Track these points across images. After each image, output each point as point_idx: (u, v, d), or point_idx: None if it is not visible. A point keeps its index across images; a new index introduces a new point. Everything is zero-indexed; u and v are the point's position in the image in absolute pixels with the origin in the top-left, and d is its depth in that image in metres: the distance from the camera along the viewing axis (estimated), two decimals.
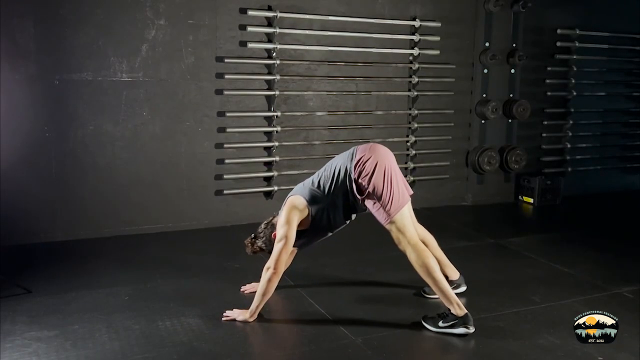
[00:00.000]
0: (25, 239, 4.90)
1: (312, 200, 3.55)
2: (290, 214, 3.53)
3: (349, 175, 3.47)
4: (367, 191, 3.43)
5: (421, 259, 3.41)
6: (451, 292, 3.44)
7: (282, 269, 3.50)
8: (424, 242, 3.64)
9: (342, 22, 5.86)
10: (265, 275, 3.46)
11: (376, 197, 3.43)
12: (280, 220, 3.56)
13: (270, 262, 3.47)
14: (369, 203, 3.49)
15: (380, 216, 3.47)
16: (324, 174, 3.60)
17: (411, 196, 3.59)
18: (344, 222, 3.69)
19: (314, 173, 3.73)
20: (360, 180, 3.44)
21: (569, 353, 3.21)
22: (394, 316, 3.63)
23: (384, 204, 3.42)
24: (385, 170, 3.44)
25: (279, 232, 3.52)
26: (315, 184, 3.59)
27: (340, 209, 3.57)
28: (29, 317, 3.53)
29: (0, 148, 4.74)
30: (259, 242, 3.75)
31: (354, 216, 3.68)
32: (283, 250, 3.46)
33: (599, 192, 7.40)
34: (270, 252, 3.62)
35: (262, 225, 3.78)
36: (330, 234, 3.75)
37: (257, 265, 3.77)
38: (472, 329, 3.36)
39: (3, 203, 4.76)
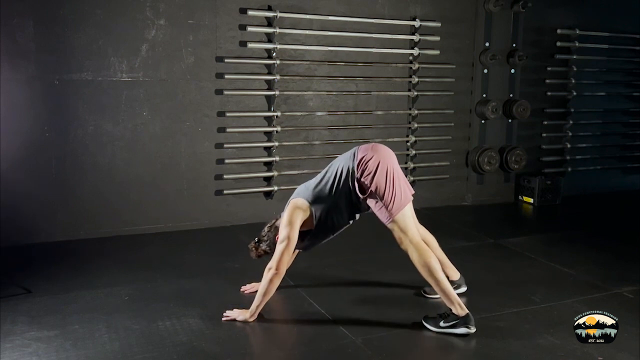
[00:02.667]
0: (25, 239, 4.90)
1: (315, 201, 3.55)
2: (292, 215, 3.53)
3: (352, 174, 3.48)
4: (370, 190, 3.44)
5: (423, 258, 3.41)
6: (453, 292, 3.44)
7: (284, 269, 3.49)
8: (425, 243, 3.64)
9: (342, 22, 5.86)
10: (267, 275, 3.46)
11: (378, 196, 3.43)
12: (283, 221, 3.56)
13: (272, 263, 3.47)
14: (371, 202, 3.49)
15: (382, 215, 3.47)
16: (326, 175, 3.60)
17: (413, 196, 3.59)
18: (348, 223, 3.69)
19: (314, 173, 3.73)
20: (362, 180, 3.45)
21: (569, 353, 3.21)
22: (394, 316, 3.63)
23: (386, 203, 3.42)
24: (388, 169, 3.44)
25: (282, 232, 3.51)
26: (318, 185, 3.59)
27: (343, 209, 3.57)
28: (29, 317, 3.53)
29: (0, 148, 4.74)
30: (263, 246, 3.74)
31: (357, 216, 3.68)
32: (285, 251, 3.46)
33: (599, 192, 7.40)
34: None
35: (265, 229, 3.78)
36: (333, 235, 3.75)
37: (257, 265, 3.77)
38: (473, 329, 3.36)
39: (3, 203, 4.77)
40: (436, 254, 3.72)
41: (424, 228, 3.84)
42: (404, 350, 3.28)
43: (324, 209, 3.56)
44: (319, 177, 3.64)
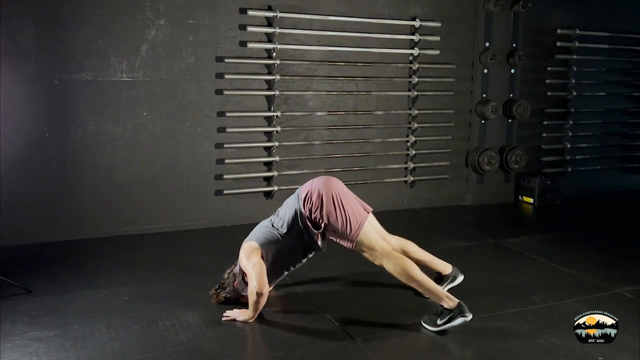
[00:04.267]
0: (25, 239, 4.90)
1: (267, 243, 3.61)
2: (248, 252, 3.57)
3: (301, 215, 3.54)
4: (324, 223, 3.50)
5: (399, 266, 3.46)
6: (438, 288, 3.48)
7: (266, 288, 3.49)
8: (404, 251, 3.72)
9: (342, 22, 5.86)
10: (252, 297, 3.45)
11: (334, 226, 3.49)
12: (242, 259, 3.59)
13: (252, 287, 3.45)
14: (331, 236, 3.56)
15: (345, 243, 3.54)
16: (277, 219, 3.67)
17: (371, 212, 3.63)
18: (301, 261, 3.75)
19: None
20: (313, 217, 3.51)
21: (569, 353, 3.21)
22: (394, 316, 3.63)
23: (343, 230, 3.48)
24: (334, 197, 3.50)
25: (249, 264, 3.51)
26: (270, 227, 3.67)
27: (295, 249, 3.64)
28: (29, 317, 3.54)
29: (0, 148, 4.74)
30: (223, 293, 3.75)
31: (311, 255, 3.73)
32: (260, 272, 3.46)
33: (599, 192, 7.41)
34: (235, 301, 3.70)
35: (225, 275, 3.80)
36: (287, 272, 3.79)
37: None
38: (469, 316, 3.36)
39: (3, 203, 4.77)
40: (419, 256, 3.81)
41: (396, 237, 3.89)
42: (404, 350, 3.28)
43: (276, 250, 3.62)
44: (269, 220, 3.72)
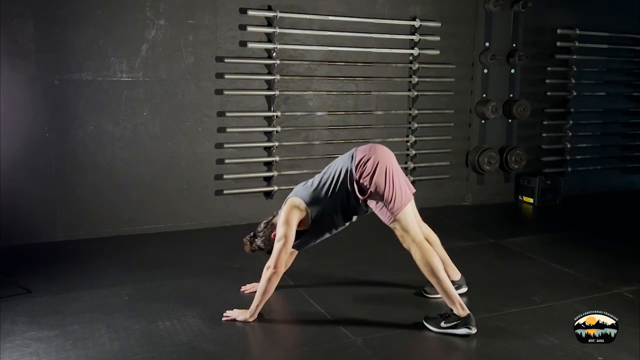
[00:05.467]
0: (25, 239, 4.89)
1: (312, 201, 3.55)
2: (289, 213, 3.53)
3: (351, 176, 3.47)
4: (370, 191, 3.43)
5: (426, 257, 3.40)
6: (454, 292, 3.43)
7: (282, 268, 3.49)
8: (427, 241, 3.63)
9: (342, 22, 5.86)
10: (265, 274, 3.46)
11: (378, 196, 3.43)
12: (280, 219, 3.56)
13: (270, 262, 3.47)
14: (371, 203, 3.49)
15: (383, 215, 3.47)
16: (325, 176, 3.60)
17: (414, 194, 3.58)
18: (344, 224, 3.70)
19: (314, 173, 3.74)
20: (361, 181, 3.44)
21: (569, 353, 3.21)
22: (394, 316, 3.63)
23: (386, 203, 3.42)
24: (387, 169, 3.44)
25: (279, 231, 3.52)
26: (316, 186, 3.59)
27: (340, 211, 3.57)
28: (29, 317, 3.53)
29: (0, 148, 4.74)
30: (258, 241, 3.75)
31: (354, 218, 3.68)
32: (282, 249, 3.46)
33: (599, 192, 7.40)
34: (268, 252, 3.63)
35: (262, 225, 3.78)
36: (328, 235, 3.75)
37: (257, 265, 3.77)
38: (474, 330, 3.36)
39: (3, 203, 4.76)
40: (438, 252, 3.72)
41: (427, 226, 3.84)
42: (404, 350, 3.28)
43: (320, 210, 3.56)
44: (317, 177, 3.64)
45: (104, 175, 5.18)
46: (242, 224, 5.49)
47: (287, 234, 3.48)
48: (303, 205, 3.56)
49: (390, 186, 3.41)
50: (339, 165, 3.56)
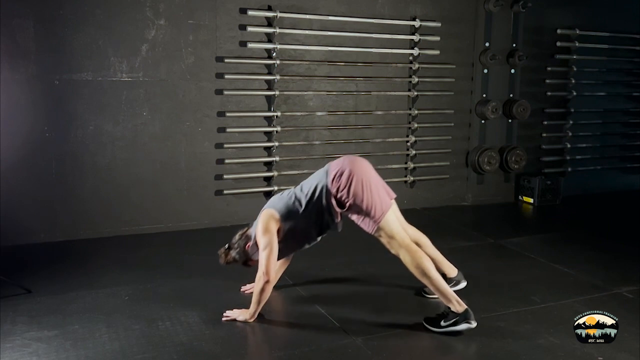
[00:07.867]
0: (25, 239, 4.90)
1: (287, 215, 3.57)
2: (267, 223, 3.55)
3: (327, 192, 3.49)
4: (348, 204, 3.46)
5: (415, 260, 3.43)
6: (449, 290, 3.45)
7: (273, 275, 3.52)
8: (417, 243, 3.68)
9: (342, 22, 5.86)
10: (259, 284, 3.48)
11: (358, 208, 3.46)
12: (259, 230, 3.57)
13: (260, 272, 3.48)
14: (353, 216, 3.53)
15: (366, 226, 3.50)
16: (300, 192, 3.62)
17: (396, 198, 3.62)
18: (316, 239, 3.72)
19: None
20: (339, 195, 3.47)
21: (569, 353, 3.21)
22: (394, 316, 3.63)
23: (367, 214, 3.45)
24: (363, 180, 3.46)
25: (262, 241, 3.53)
26: (292, 200, 3.61)
27: (313, 226, 3.60)
28: (29, 317, 3.54)
29: (0, 148, 4.74)
30: (233, 253, 3.75)
31: (325, 234, 3.70)
32: (270, 256, 3.48)
33: (599, 192, 7.40)
34: (243, 264, 3.72)
35: (237, 236, 3.79)
36: (299, 248, 3.77)
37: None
38: (474, 324, 3.36)
39: (3, 203, 4.76)
40: (430, 252, 3.76)
41: (414, 228, 3.87)
42: (404, 350, 3.28)
43: (293, 225, 3.58)
44: (292, 191, 3.66)
45: (104, 175, 5.18)
46: (242, 224, 5.45)
47: (271, 241, 3.51)
48: (277, 216, 3.58)
49: (369, 196, 3.44)
50: (314, 182, 3.58)
